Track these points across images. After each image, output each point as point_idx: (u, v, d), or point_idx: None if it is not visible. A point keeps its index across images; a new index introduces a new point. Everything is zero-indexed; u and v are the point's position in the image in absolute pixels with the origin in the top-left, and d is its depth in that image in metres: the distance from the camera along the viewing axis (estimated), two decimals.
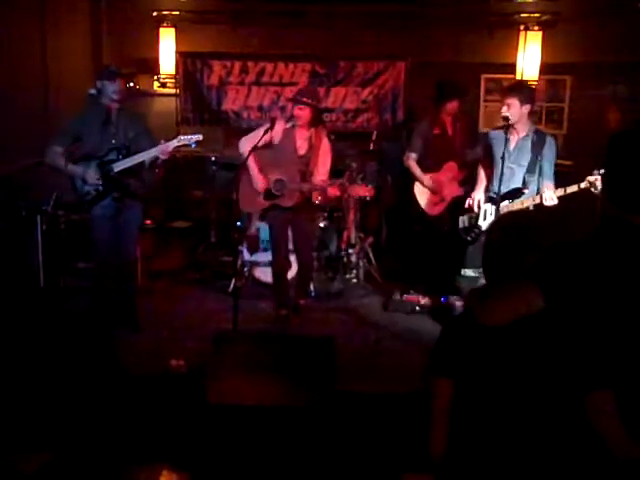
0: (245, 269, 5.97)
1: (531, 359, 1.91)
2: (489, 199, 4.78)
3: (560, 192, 4.40)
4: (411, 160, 5.74)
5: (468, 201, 4.95)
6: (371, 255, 6.29)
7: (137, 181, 4.78)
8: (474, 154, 5.50)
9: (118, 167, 4.61)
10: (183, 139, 4.62)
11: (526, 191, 4.54)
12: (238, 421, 3.48)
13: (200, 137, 4.68)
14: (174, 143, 4.57)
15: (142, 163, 4.63)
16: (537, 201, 4.45)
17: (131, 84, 7.46)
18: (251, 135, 5.02)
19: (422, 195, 5.73)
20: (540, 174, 4.57)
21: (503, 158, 4.44)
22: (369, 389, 3.97)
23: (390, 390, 3.93)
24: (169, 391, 3.84)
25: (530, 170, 4.56)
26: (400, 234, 6.64)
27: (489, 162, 4.84)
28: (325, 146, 5.10)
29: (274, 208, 5.05)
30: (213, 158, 6.39)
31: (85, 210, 4.73)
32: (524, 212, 4.10)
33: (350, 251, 6.23)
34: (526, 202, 4.50)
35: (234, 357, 3.87)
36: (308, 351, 3.93)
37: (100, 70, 4.70)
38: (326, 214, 6.16)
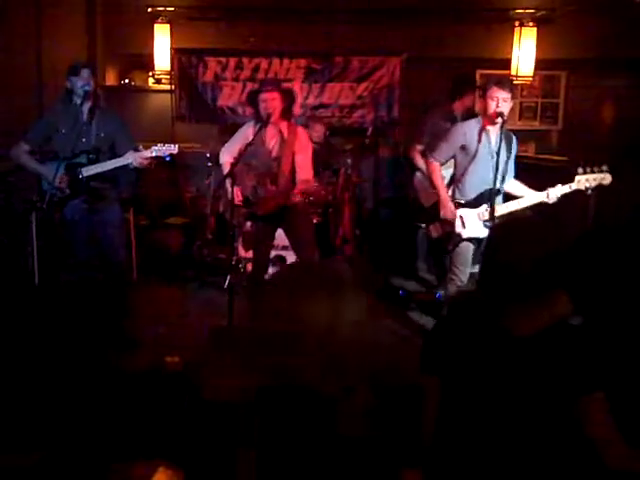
0: (240, 265, 5.97)
1: (533, 360, 1.89)
2: (462, 204, 4.50)
3: (559, 191, 4.32)
4: (416, 152, 5.70)
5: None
6: (366, 251, 6.30)
7: (109, 185, 4.59)
8: None
9: (87, 172, 4.43)
10: (157, 150, 4.40)
11: (502, 191, 4.40)
12: (234, 417, 3.48)
13: (175, 150, 4.43)
14: (147, 154, 4.37)
15: (115, 167, 4.43)
16: (536, 200, 4.36)
17: (126, 80, 7.50)
18: (229, 144, 4.78)
19: (421, 186, 5.75)
20: (504, 171, 4.38)
21: (498, 153, 4.30)
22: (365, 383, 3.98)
23: (385, 384, 3.93)
24: (164, 387, 3.83)
25: (503, 168, 4.33)
26: (395, 230, 6.65)
27: (463, 159, 4.51)
28: (302, 140, 4.62)
29: (254, 218, 4.77)
30: (208, 154, 6.38)
31: (50, 211, 4.47)
32: (524, 216, 3.97)
33: (345, 247, 6.24)
34: (523, 202, 4.36)
35: (230, 353, 3.87)
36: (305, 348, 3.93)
37: (69, 68, 4.46)
38: (320, 210, 6.15)
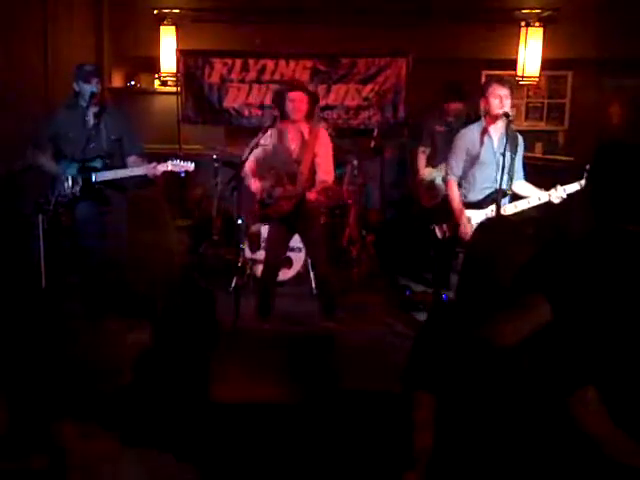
0: (247, 267, 5.97)
1: (521, 364, 1.88)
2: (470, 205, 4.50)
3: (569, 189, 4.31)
4: (420, 153, 5.95)
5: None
6: (372, 252, 6.29)
7: (117, 186, 4.59)
8: None
9: (100, 177, 4.46)
10: (174, 165, 4.45)
11: (509, 192, 4.40)
12: (240, 420, 3.48)
13: (191, 167, 4.48)
14: (163, 167, 4.42)
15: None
16: (544, 200, 4.38)
17: (132, 83, 7.51)
18: (253, 140, 4.74)
19: (421, 187, 5.97)
20: (510, 172, 4.35)
21: (504, 154, 4.31)
22: (371, 387, 3.97)
23: (392, 388, 3.91)
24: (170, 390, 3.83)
25: (509, 169, 4.32)
26: (402, 231, 6.64)
27: (467, 162, 4.53)
28: (323, 141, 4.65)
29: (269, 219, 4.78)
30: (215, 156, 6.39)
31: (56, 213, 4.51)
32: (505, 219, 3.99)
33: (351, 248, 6.23)
34: (532, 201, 4.38)
35: (236, 355, 3.88)
36: (310, 349, 3.94)
37: (76, 70, 4.48)
38: (326, 210, 6.14)
